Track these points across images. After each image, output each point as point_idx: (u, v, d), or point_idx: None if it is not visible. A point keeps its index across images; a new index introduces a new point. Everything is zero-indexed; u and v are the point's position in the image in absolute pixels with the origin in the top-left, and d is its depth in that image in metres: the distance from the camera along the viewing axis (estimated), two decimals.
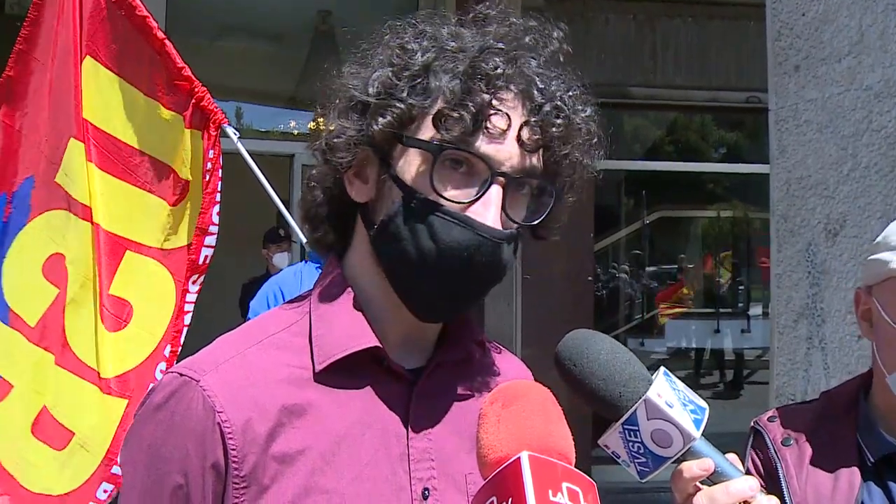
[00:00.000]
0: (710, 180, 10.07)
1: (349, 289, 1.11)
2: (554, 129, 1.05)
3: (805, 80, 2.75)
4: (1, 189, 2.85)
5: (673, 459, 1.03)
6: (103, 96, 2.87)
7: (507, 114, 1.03)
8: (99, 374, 2.80)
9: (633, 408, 1.02)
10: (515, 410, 0.99)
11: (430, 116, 1.03)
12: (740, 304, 10.31)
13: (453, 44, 1.05)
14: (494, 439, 0.97)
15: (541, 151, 1.07)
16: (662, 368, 1.07)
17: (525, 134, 1.04)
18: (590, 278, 8.11)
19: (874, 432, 1.56)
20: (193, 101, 2.85)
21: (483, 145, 1.02)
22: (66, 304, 2.81)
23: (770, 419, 1.69)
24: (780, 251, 2.83)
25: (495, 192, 1.03)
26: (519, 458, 0.93)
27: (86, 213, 2.87)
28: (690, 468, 1.02)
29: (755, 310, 9.90)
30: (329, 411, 1.05)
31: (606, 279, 9.72)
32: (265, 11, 7.82)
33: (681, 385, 1.06)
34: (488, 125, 1.01)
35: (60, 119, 2.87)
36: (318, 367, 1.06)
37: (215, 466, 1.00)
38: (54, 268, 2.83)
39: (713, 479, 1.03)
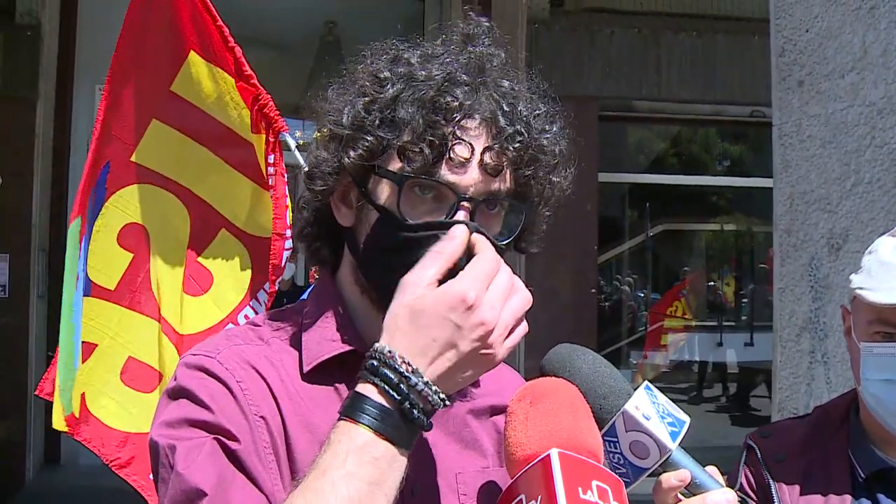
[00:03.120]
0: (713, 193, 10.08)
1: (339, 299, 1.18)
2: (513, 152, 1.09)
3: (808, 95, 2.77)
4: (90, 185, 3.08)
5: (651, 470, 1.05)
6: (207, 85, 3.07)
7: (469, 143, 1.07)
8: (177, 331, 3.04)
9: (612, 420, 1.04)
10: (544, 408, 1.00)
11: (396, 147, 1.07)
12: (743, 317, 10.30)
13: (423, 72, 1.09)
14: (523, 437, 0.99)
15: (509, 172, 1.10)
16: (645, 382, 1.10)
17: (487, 159, 1.07)
18: (593, 290, 8.11)
19: (865, 448, 1.58)
20: (257, 107, 3.02)
21: (447, 174, 1.06)
22: (149, 266, 3.08)
23: (763, 435, 1.70)
24: (784, 265, 2.84)
25: (461, 216, 1.07)
26: (549, 455, 0.94)
27: (169, 185, 3.09)
28: (668, 479, 1.05)
29: (758, 323, 9.90)
30: (318, 412, 1.08)
31: (610, 291, 9.73)
32: (271, 21, 7.87)
33: (662, 398, 1.08)
34: (451, 155, 1.06)
35: (143, 102, 3.09)
36: (306, 368, 1.11)
37: (251, 421, 1.04)
38: (128, 235, 3.08)
39: (693, 490, 1.05)
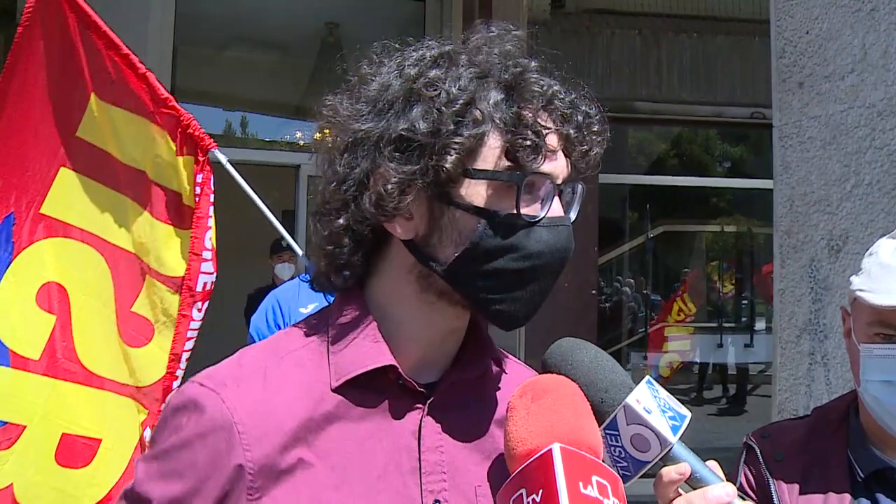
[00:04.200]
0: (713, 194, 10.09)
1: (369, 312, 1.13)
2: (594, 137, 1.13)
3: (809, 97, 2.77)
4: None
5: (652, 464, 1.06)
6: (112, 128, 2.93)
7: (556, 130, 1.08)
8: (134, 386, 2.87)
9: (614, 413, 1.05)
10: (545, 404, 1.01)
11: (486, 146, 1.05)
12: (744, 319, 10.30)
13: (474, 69, 1.08)
14: (524, 432, 0.99)
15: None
16: (647, 377, 1.10)
17: (569, 146, 1.10)
18: (593, 291, 8.12)
19: (864, 448, 1.59)
20: (180, 129, 2.91)
21: (545, 165, 1.07)
22: (71, 327, 2.84)
23: (763, 435, 1.71)
24: (784, 267, 2.84)
25: (557, 203, 1.10)
26: (550, 449, 0.95)
27: (84, 236, 2.90)
28: (669, 472, 1.05)
29: (759, 324, 9.90)
30: (343, 426, 1.07)
31: (610, 293, 9.73)
32: (273, 22, 7.87)
33: (663, 393, 1.09)
34: (546, 145, 1.06)
35: (47, 152, 2.91)
36: (335, 384, 1.08)
37: (230, 475, 1.02)
38: (47, 296, 2.84)
39: (694, 484, 1.05)
